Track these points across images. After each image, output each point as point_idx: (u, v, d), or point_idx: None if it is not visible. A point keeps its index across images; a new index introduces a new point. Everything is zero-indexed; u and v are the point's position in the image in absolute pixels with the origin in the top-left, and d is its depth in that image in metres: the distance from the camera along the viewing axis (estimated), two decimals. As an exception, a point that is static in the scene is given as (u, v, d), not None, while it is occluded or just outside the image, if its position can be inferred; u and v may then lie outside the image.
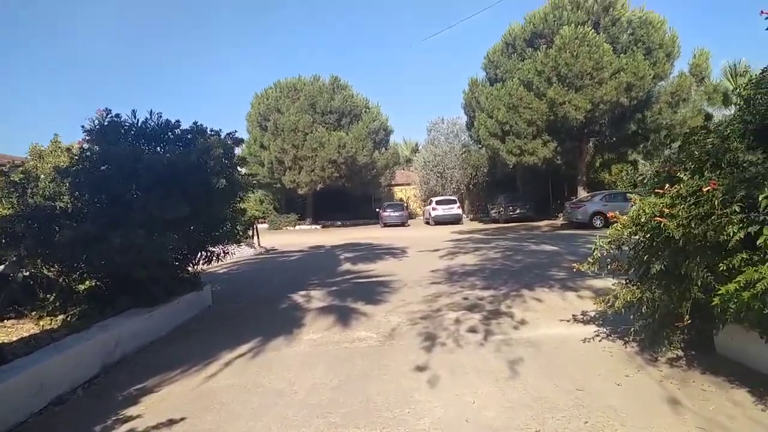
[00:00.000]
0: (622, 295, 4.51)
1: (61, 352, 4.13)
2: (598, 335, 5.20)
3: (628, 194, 23.09)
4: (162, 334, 5.96)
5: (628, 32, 21.95)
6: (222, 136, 6.71)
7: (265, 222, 36.88)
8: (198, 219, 6.43)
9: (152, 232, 5.54)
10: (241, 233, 15.92)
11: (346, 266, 12.31)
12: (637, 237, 4.46)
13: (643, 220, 4.19)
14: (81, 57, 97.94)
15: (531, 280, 8.78)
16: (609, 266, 4.85)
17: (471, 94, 26.57)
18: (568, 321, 5.86)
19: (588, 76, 20.26)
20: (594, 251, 4.80)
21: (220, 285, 10.11)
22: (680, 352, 4.45)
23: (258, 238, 17.58)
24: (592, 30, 20.64)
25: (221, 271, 12.56)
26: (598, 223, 20.89)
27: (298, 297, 8.34)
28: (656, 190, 4.31)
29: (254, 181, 6.55)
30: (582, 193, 24.86)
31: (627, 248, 4.72)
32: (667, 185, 4.22)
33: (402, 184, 44.74)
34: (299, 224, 35.91)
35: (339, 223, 36.99)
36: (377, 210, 34.38)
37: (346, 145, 30.71)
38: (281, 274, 11.47)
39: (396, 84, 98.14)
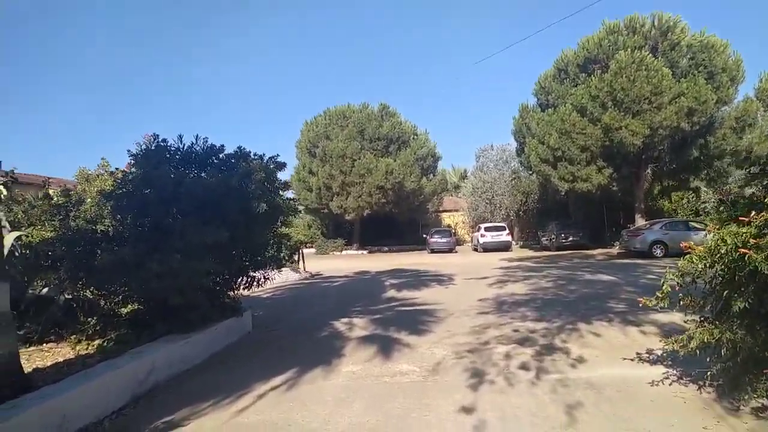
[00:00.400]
0: (698, 335, 3.99)
1: (91, 380, 3.99)
2: (667, 377, 4.64)
3: (690, 222, 22.01)
4: (197, 362, 5.79)
5: (688, 57, 21.03)
6: (265, 161, 6.61)
7: (312, 247, 37.18)
8: (238, 244, 6.31)
9: (190, 257, 5.42)
10: (285, 258, 15.98)
11: (391, 293, 11.98)
12: (714, 270, 3.95)
13: (723, 251, 3.69)
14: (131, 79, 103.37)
15: (588, 312, 8.19)
16: (680, 302, 4.32)
17: (521, 120, 26.07)
18: (632, 360, 5.31)
19: (646, 100, 19.44)
20: (663, 285, 4.29)
21: (263, 310, 9.99)
22: (766, 401, 3.87)
23: (303, 262, 17.55)
24: (650, 54, 19.88)
25: (265, 296, 12.49)
26: (658, 252, 19.75)
27: (340, 324, 8.07)
28: (739, 218, 3.80)
29: (298, 206, 6.31)
30: (640, 221, 23.69)
31: (702, 282, 4.20)
32: (753, 212, 3.71)
33: (450, 210, 44.24)
34: (346, 249, 35.94)
35: (386, 248, 36.78)
36: (424, 236, 34.00)
37: (393, 171, 30.67)
38: (324, 300, 11.26)
39: (445, 111, 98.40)
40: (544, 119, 22.84)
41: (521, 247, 34.76)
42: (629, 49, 19.98)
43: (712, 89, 19.17)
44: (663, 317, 7.43)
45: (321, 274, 18.12)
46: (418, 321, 8.07)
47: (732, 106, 20.71)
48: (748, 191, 25.61)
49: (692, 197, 29.31)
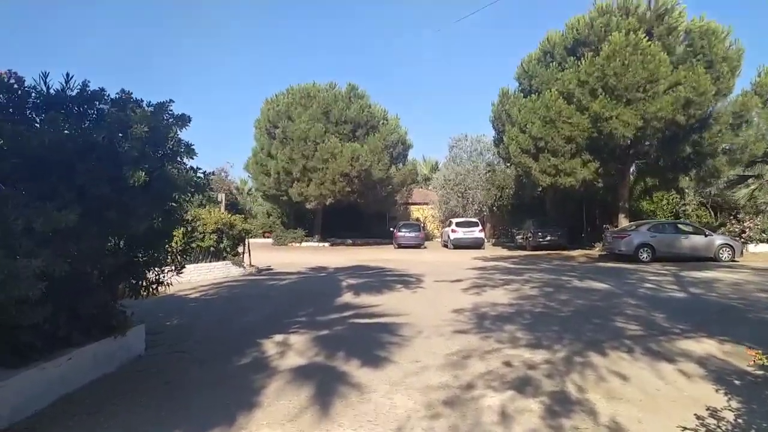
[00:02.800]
0: None
1: None
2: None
3: (679, 225, 20.80)
4: (29, 413, 3.79)
5: (686, 43, 19.67)
6: (151, 108, 4.57)
7: (270, 236, 34.95)
8: (107, 229, 4.29)
9: (11, 250, 3.40)
10: (226, 250, 13.89)
11: (347, 297, 10.08)
12: None
13: None
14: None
15: (595, 335, 6.48)
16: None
17: (501, 107, 24.32)
18: (692, 431, 3.55)
19: (640, 88, 17.97)
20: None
21: (180, 318, 7.97)
22: None
23: (249, 255, 15.45)
24: (646, 37, 18.41)
25: (193, 296, 10.45)
26: (644, 256, 18.39)
27: (271, 345, 6.13)
28: None
29: (204, 180, 4.18)
30: (623, 222, 22.40)
31: None
32: None
33: (419, 203, 42.51)
34: (307, 241, 33.80)
35: (349, 241, 34.82)
36: (391, 229, 32.18)
37: (360, 157, 28.67)
38: (263, 305, 9.27)
39: (416, 98, 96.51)
40: (526, 106, 21.15)
41: (494, 244, 33.34)
42: (623, 31, 18.45)
43: (711, 80, 17.82)
44: (694, 346, 5.81)
45: (270, 269, 16.07)
46: (375, 342, 6.20)
47: (729, 100, 19.45)
48: (739, 193, 24.83)
49: (673, 198, 28.36)
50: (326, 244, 33.09)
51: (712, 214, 27.29)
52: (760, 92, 19.07)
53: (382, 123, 32.95)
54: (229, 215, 14.46)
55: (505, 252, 25.88)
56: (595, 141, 19.66)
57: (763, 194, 24.46)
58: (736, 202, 26.13)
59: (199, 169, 4.81)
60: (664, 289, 10.97)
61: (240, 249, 14.98)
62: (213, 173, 5.47)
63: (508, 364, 5.22)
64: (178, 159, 4.64)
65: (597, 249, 23.72)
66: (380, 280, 12.95)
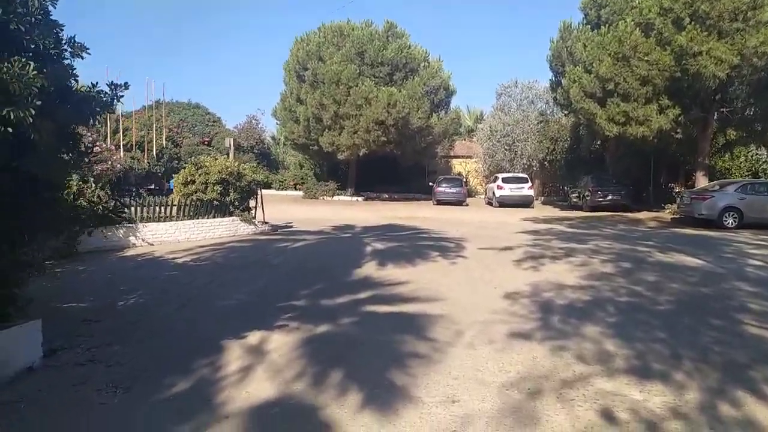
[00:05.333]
0: None
1: None
2: None
3: (778, 185, 17.86)
4: None
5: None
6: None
7: (301, 189, 33.24)
8: None
9: None
10: (234, 204, 12.07)
11: (368, 269, 8.13)
12: None
13: None
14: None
15: (729, 351, 4.33)
16: None
17: (562, 43, 21.21)
18: None
19: (739, 16, 14.85)
20: None
21: (139, 295, 6.16)
22: None
23: (263, 210, 13.60)
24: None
25: (181, 260, 8.73)
26: (730, 222, 15.72)
27: (237, 352, 4.24)
28: None
29: (105, 98, 2.02)
30: (701, 181, 19.49)
31: None
32: None
33: (462, 157, 39.74)
34: (339, 194, 31.88)
35: (385, 196, 32.76)
36: (430, 184, 29.92)
37: (397, 103, 26.17)
38: (256, 278, 7.40)
39: (461, 42, 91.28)
40: (593, 40, 18.08)
41: (543, 203, 30.70)
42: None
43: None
44: None
45: (289, 227, 14.27)
46: (393, 353, 4.22)
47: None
48: None
49: (753, 155, 25.08)
50: (360, 199, 31.15)
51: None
52: None
53: (423, 66, 30.10)
54: (237, 163, 12.57)
55: (559, 212, 23.35)
56: (676, 83, 16.67)
57: None
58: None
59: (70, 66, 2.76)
60: (777, 269, 8.58)
61: (252, 203, 13.14)
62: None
63: (607, 415, 3.15)
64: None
65: (668, 211, 20.93)
66: (413, 244, 10.92)
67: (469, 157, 38.85)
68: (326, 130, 27.72)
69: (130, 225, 10.32)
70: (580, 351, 4.29)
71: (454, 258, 9.23)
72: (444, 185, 27.74)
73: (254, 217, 12.96)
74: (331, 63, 27.06)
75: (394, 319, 5.26)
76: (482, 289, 6.67)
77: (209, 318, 5.31)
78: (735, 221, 15.77)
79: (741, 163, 25.37)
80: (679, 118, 17.54)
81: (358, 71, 27.20)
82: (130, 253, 9.75)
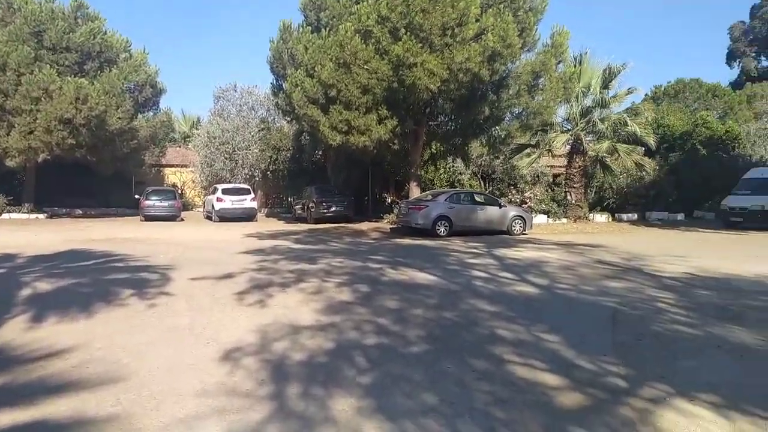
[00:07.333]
0: None
1: None
2: None
3: (475, 195, 19.76)
4: None
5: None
6: None
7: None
8: None
9: None
10: None
11: (10, 329, 5.39)
12: None
13: None
14: None
15: (507, 414, 3.34)
16: None
17: (282, 44, 20.09)
18: None
19: (449, 31, 15.85)
20: None
21: None
22: None
23: None
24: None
25: None
26: (442, 231, 16.79)
27: None
28: None
29: None
30: (415, 191, 20.67)
31: None
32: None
33: (176, 166, 36.06)
34: (11, 211, 25.28)
35: (79, 212, 27.46)
36: (137, 197, 26.04)
37: (89, 98, 21.84)
38: None
39: (173, 40, 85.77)
40: (315, 43, 17.46)
41: (267, 216, 29.62)
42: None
43: (517, 31, 16.56)
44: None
45: None
46: None
47: (524, 59, 18.59)
48: (521, 162, 25.26)
49: (451, 167, 28.07)
50: (42, 216, 25.22)
51: (482, 184, 27.80)
52: (555, 53, 18.59)
53: (124, 58, 26.11)
54: None
55: (284, 225, 22.38)
56: (394, 93, 17.12)
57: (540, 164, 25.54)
58: (510, 172, 26.93)
59: None
60: (500, 280, 8.68)
61: None
62: None
63: None
64: None
65: (387, 221, 21.79)
66: (98, 280, 8.23)
67: (185, 166, 35.57)
68: (-12, 127, 21.70)
69: None
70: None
71: (155, 297, 7.00)
72: (153, 198, 24.39)
73: None
74: (-7, 41, 21.27)
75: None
76: (190, 349, 4.75)
77: None
78: (446, 229, 16.91)
79: (441, 174, 28.10)
80: (396, 130, 18.14)
81: (33, 55, 22.01)
82: None
